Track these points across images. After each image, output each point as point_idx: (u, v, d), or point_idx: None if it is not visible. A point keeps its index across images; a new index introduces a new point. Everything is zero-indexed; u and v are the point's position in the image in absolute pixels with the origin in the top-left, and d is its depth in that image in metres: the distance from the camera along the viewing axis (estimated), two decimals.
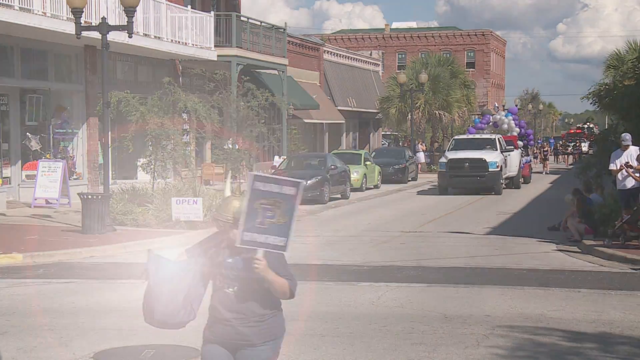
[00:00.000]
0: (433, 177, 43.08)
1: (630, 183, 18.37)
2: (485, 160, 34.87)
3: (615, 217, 19.05)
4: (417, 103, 52.41)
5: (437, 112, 55.34)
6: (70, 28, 21.51)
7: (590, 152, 46.87)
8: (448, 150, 37.63)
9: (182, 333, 10.37)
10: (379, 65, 68.34)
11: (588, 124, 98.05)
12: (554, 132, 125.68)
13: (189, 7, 31.76)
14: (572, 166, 61.69)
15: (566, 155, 78.14)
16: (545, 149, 63.92)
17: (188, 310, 5.69)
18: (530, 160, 45.50)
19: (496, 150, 36.26)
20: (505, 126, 46.45)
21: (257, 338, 5.62)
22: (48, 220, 21.88)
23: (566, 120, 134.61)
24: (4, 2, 21.13)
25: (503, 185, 36.20)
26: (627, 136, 18.92)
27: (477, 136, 40.21)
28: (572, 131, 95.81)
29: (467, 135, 42.04)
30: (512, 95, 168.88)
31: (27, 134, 25.25)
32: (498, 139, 38.21)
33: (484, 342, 9.89)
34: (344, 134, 59.51)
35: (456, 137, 41.28)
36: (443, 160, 36.27)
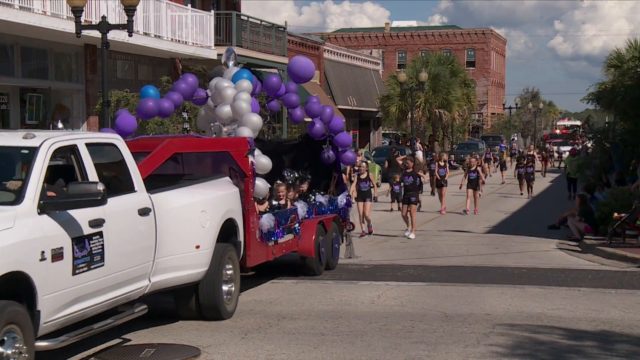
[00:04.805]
0: None
1: None
2: None
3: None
4: (417, 102, 52.34)
5: (437, 110, 55.33)
6: (70, 27, 21.47)
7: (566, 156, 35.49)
8: None
9: (182, 332, 10.40)
10: (379, 64, 68.29)
11: (576, 120, 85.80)
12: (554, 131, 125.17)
13: (189, 6, 31.72)
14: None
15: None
16: (497, 157, 46.69)
17: None
18: (348, 203, 16.54)
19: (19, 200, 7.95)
20: (227, 109, 14.23)
21: None
22: None
23: (567, 118, 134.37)
24: (4, 0, 21.12)
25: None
26: None
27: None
28: (558, 131, 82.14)
29: None
30: (512, 94, 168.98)
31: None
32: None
33: (484, 341, 9.90)
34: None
35: None
36: None
